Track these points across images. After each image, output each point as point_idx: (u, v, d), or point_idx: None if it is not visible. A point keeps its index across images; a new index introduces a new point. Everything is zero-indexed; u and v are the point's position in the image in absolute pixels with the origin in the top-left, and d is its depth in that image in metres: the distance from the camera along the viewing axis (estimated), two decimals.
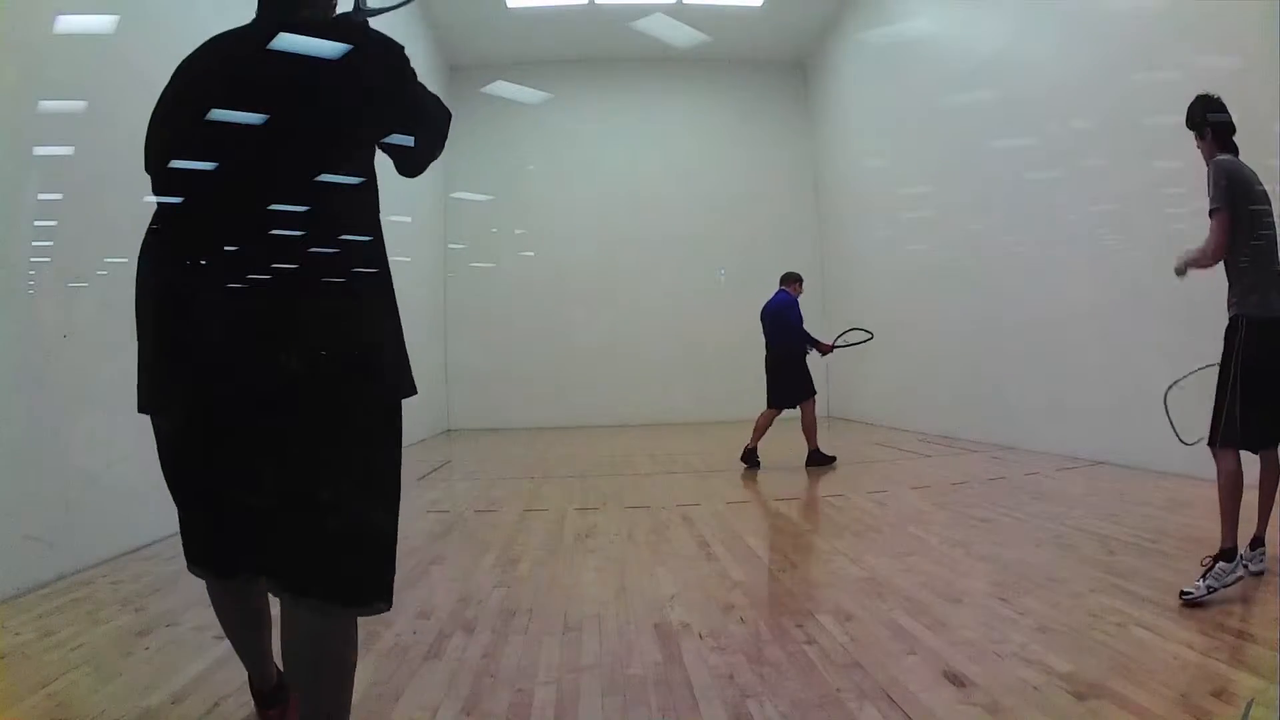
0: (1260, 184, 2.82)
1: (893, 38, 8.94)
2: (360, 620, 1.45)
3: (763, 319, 6.22)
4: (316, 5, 1.56)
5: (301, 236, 1.42)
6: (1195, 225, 4.77)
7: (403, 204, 9.30)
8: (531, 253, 11.44)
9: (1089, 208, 5.57)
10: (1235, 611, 2.32)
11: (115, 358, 3.59)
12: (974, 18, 7.17)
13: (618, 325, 11.14)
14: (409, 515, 4.70)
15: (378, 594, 1.41)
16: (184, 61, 1.56)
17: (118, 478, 3.61)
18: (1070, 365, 5.84)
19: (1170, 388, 3.03)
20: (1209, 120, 2.95)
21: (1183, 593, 2.42)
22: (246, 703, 1.93)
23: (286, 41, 1.42)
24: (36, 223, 3.23)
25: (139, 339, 1.53)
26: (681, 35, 10.39)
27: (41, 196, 3.23)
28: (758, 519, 4.19)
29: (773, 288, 6.42)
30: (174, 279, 1.45)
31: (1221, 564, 2.49)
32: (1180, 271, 2.93)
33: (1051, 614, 2.41)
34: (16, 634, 2.46)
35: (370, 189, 1.49)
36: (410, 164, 1.58)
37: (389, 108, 1.49)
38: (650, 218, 11.25)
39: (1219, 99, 2.99)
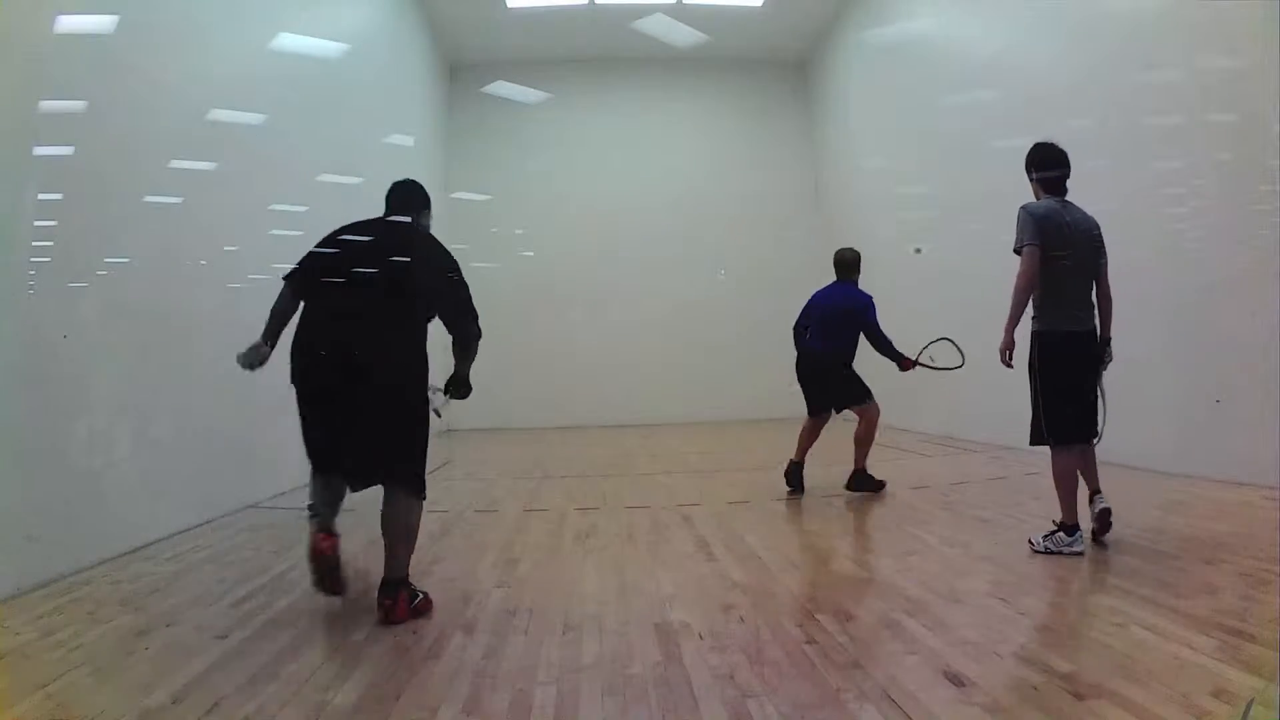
0: (1068, 223, 3.27)
1: (893, 38, 8.93)
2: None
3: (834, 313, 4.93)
4: (417, 214, 3.04)
5: (390, 324, 2.71)
6: (1194, 225, 4.80)
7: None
8: (531, 253, 11.44)
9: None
10: (1235, 611, 2.31)
11: (115, 358, 3.61)
12: (974, 18, 7.17)
13: (618, 325, 11.14)
14: None
15: (423, 492, 2.74)
16: (335, 231, 2.88)
17: (118, 478, 3.62)
18: None
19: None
20: (1033, 167, 3.37)
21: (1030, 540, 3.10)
22: (246, 702, 1.93)
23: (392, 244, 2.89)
24: (36, 223, 3.23)
25: (295, 371, 2.72)
26: (681, 35, 10.39)
27: (41, 196, 3.22)
28: (758, 519, 4.18)
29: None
30: (326, 332, 2.70)
31: (1061, 534, 3.08)
32: (1005, 352, 3.44)
33: (1051, 614, 2.41)
34: (16, 634, 2.46)
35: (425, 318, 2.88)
36: (460, 336, 3.05)
37: (442, 296, 2.94)
38: (651, 217, 11.24)
39: (1054, 149, 3.34)
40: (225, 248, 4.81)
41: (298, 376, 2.69)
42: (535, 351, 10.89)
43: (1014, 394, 6.50)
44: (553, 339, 11.03)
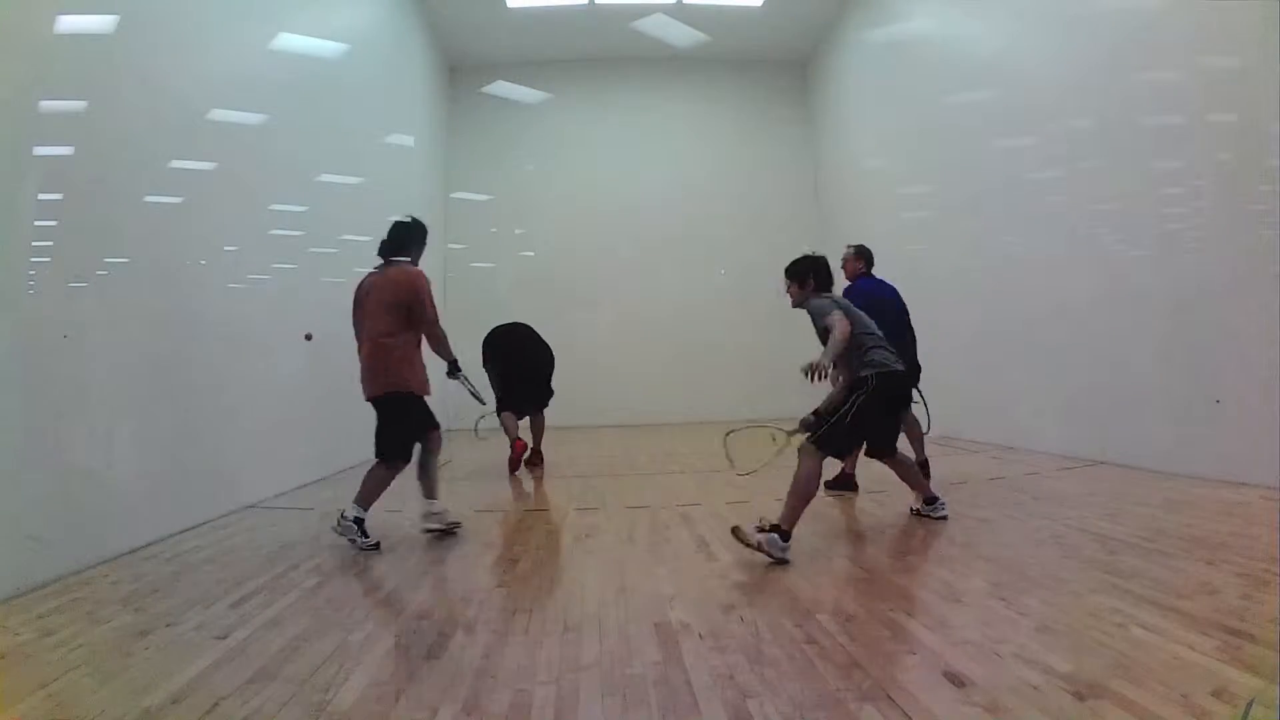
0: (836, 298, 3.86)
1: (893, 38, 8.93)
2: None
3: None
4: (529, 326, 6.97)
5: (545, 361, 6.83)
6: (1194, 225, 4.79)
7: (403, 204, 9.29)
8: (531, 253, 11.44)
9: (1089, 208, 5.57)
10: (1235, 611, 2.31)
11: (115, 358, 3.61)
12: (974, 18, 7.17)
13: (617, 325, 11.13)
14: (409, 516, 4.69)
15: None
16: (495, 330, 6.88)
17: (118, 478, 3.62)
18: (1070, 365, 5.84)
19: (729, 433, 4.31)
20: (811, 275, 3.88)
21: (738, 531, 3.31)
22: (246, 702, 1.93)
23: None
24: (36, 223, 3.23)
25: (491, 371, 6.64)
26: (681, 35, 10.38)
27: (41, 196, 3.22)
28: (758, 519, 4.18)
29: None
30: (512, 366, 6.64)
31: (775, 536, 3.21)
32: (825, 371, 3.75)
33: (1051, 614, 2.41)
34: (16, 634, 2.46)
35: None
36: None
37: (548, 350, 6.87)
38: (650, 217, 11.24)
39: (821, 261, 3.96)
40: (225, 248, 4.81)
41: (498, 378, 6.44)
42: None
43: (1014, 395, 6.49)
44: (552, 339, 10.94)
